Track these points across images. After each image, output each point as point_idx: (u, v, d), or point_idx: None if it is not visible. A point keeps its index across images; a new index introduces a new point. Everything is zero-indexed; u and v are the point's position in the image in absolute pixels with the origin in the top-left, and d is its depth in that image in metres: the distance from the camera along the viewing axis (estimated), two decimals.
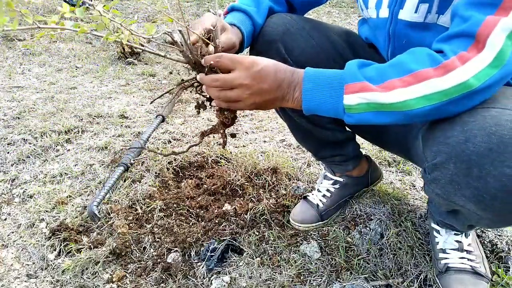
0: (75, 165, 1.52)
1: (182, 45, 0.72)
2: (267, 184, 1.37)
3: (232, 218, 1.21)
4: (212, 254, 1.07)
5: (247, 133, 1.79)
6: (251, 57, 0.71)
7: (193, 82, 0.78)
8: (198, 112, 0.85)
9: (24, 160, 1.55)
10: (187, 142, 1.68)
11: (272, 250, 1.10)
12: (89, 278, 1.04)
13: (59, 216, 1.26)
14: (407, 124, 0.93)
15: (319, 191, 1.22)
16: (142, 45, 0.71)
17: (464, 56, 0.60)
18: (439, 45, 0.65)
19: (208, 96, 0.79)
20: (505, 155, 0.58)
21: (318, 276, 1.02)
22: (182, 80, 0.80)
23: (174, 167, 1.47)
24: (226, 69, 0.71)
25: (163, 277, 1.04)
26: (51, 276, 1.06)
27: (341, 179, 1.20)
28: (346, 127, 1.12)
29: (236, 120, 0.81)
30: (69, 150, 1.62)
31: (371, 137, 1.15)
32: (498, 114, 0.60)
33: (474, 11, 0.61)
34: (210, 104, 0.81)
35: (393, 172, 1.46)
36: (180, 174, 1.45)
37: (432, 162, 0.69)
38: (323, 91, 0.69)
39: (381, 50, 0.95)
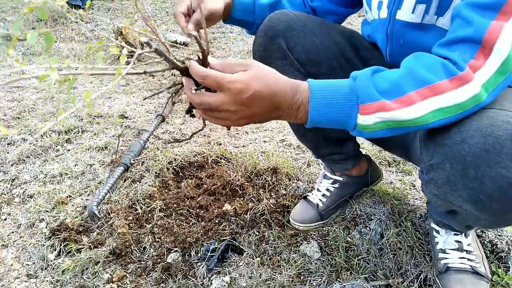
0: (75, 165, 1.52)
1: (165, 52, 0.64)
2: (267, 184, 1.37)
3: (232, 218, 1.21)
4: (212, 254, 1.07)
5: (247, 133, 1.79)
6: (241, 80, 0.60)
7: (182, 86, 0.71)
8: (192, 116, 0.77)
9: (24, 160, 1.55)
10: (187, 142, 1.68)
11: (272, 250, 1.10)
12: (89, 278, 1.04)
13: (59, 216, 1.26)
14: None
15: (318, 190, 1.22)
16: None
17: (475, 65, 0.60)
18: (444, 52, 0.64)
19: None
20: (501, 156, 0.58)
21: (318, 276, 1.02)
22: (175, 81, 0.74)
23: (174, 167, 1.47)
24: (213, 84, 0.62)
25: (163, 277, 1.04)
26: (51, 276, 1.06)
27: (340, 178, 1.20)
28: None
29: None
30: (69, 150, 1.62)
31: (372, 139, 1.15)
32: (494, 115, 0.60)
33: (476, 14, 0.61)
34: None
35: (393, 172, 1.46)
36: (180, 174, 1.45)
37: (428, 163, 0.69)
38: (334, 112, 0.64)
39: (381, 50, 0.95)
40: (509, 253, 1.06)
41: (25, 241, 1.18)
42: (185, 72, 0.65)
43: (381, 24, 0.88)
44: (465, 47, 0.62)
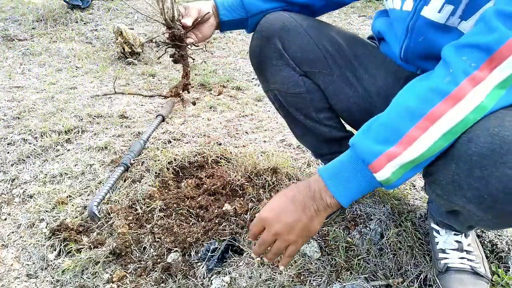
0: (75, 165, 1.52)
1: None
2: (267, 184, 1.37)
3: (232, 218, 1.21)
4: (212, 254, 1.07)
5: (247, 133, 1.79)
6: (269, 209, 0.74)
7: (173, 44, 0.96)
8: (175, 62, 1.02)
9: (24, 160, 1.55)
10: (187, 142, 1.68)
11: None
12: (89, 278, 1.04)
13: (59, 216, 1.26)
14: None
15: None
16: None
17: (475, 78, 0.59)
18: (450, 54, 0.63)
19: (179, 49, 0.99)
20: (508, 157, 0.57)
21: (318, 276, 1.02)
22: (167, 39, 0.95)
23: (174, 167, 1.47)
24: (260, 229, 0.76)
25: (163, 277, 1.04)
26: (51, 276, 1.06)
27: None
28: (346, 127, 1.12)
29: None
30: (69, 150, 1.62)
31: None
32: (501, 116, 0.60)
33: (503, 24, 0.58)
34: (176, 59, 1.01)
35: None
36: (180, 174, 1.45)
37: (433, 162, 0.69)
38: (353, 186, 0.67)
39: (392, 44, 0.93)
40: (509, 253, 1.06)
41: (25, 241, 1.18)
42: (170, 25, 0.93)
43: (402, 17, 0.85)
44: (475, 54, 0.60)
